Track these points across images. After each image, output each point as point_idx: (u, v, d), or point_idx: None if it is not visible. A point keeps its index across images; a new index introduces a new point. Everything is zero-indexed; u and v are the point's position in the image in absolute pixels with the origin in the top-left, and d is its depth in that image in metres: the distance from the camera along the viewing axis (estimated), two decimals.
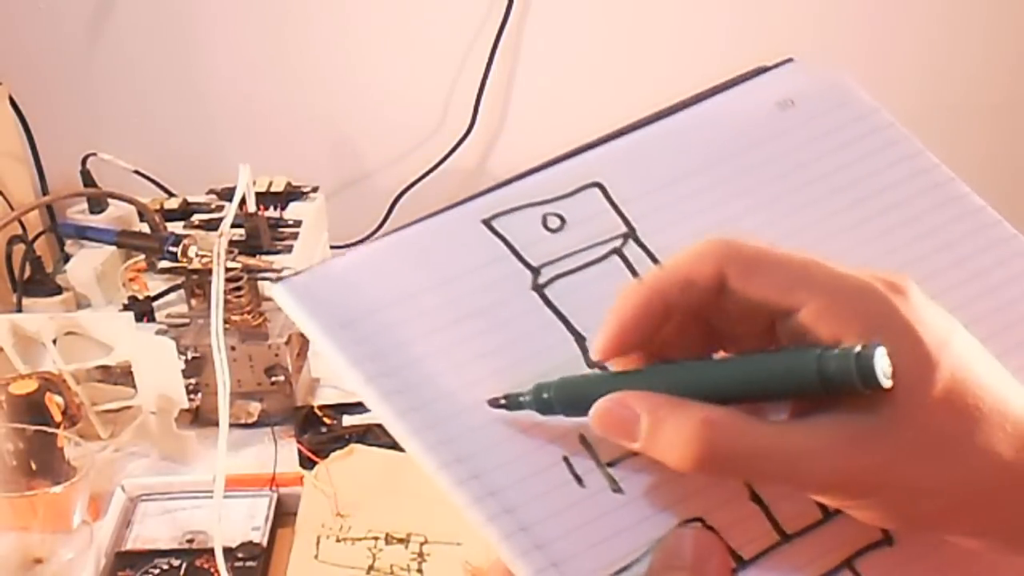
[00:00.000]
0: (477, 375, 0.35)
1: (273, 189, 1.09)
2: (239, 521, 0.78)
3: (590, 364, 0.36)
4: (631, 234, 0.39)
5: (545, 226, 0.39)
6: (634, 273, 0.38)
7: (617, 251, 0.38)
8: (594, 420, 0.33)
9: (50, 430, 0.80)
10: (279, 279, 0.37)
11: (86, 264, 1.04)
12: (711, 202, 0.40)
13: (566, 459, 0.34)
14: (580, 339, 0.36)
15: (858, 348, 0.30)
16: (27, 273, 1.04)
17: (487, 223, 0.38)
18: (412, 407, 0.34)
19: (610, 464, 0.35)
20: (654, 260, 0.38)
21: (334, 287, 0.36)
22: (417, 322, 0.36)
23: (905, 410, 0.31)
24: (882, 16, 1.20)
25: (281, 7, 1.20)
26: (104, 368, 0.87)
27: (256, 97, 1.23)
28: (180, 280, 0.98)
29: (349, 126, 1.25)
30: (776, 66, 0.43)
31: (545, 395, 0.34)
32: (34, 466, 0.78)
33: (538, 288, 0.37)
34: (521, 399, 0.34)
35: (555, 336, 0.36)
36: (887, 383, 0.30)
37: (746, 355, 0.33)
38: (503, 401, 0.34)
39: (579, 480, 0.34)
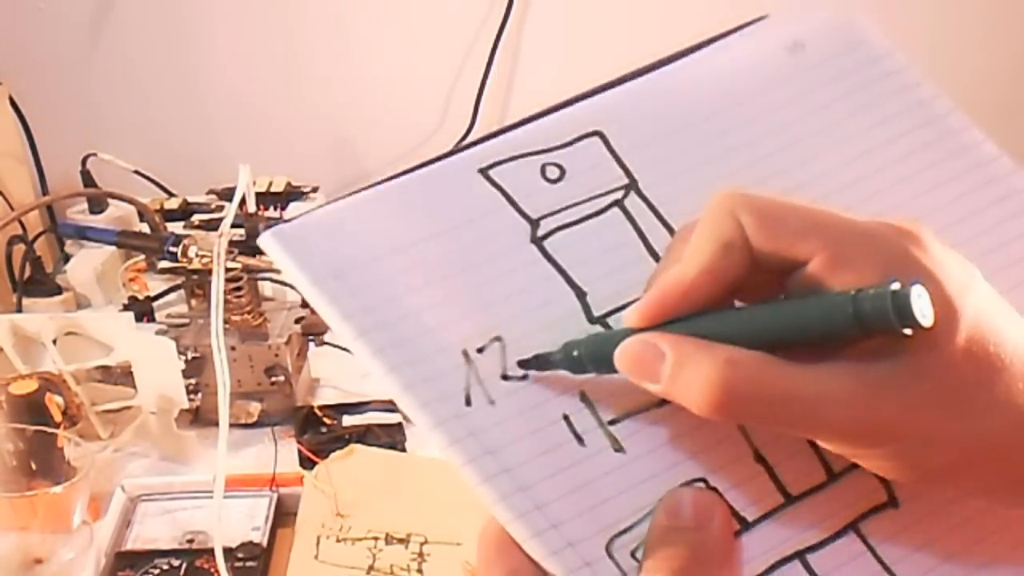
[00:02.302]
0: (475, 329, 0.34)
1: (273, 189, 1.09)
2: (239, 521, 0.78)
3: (591, 319, 0.35)
4: (632, 186, 0.37)
5: (544, 176, 0.37)
6: (635, 226, 0.37)
7: (618, 203, 0.37)
8: (619, 359, 0.32)
9: (50, 430, 0.80)
10: (267, 227, 0.35)
11: (86, 264, 1.04)
12: (716, 152, 0.38)
13: (566, 417, 0.33)
14: (580, 293, 0.35)
15: (895, 286, 0.29)
16: (27, 273, 1.04)
17: (484, 172, 0.37)
18: (406, 361, 0.33)
19: (611, 422, 0.34)
20: (656, 213, 0.37)
21: (325, 236, 0.35)
22: (412, 274, 0.34)
23: (927, 358, 0.30)
24: (877, 15, 1.20)
25: (281, 7, 1.20)
26: (104, 368, 0.87)
27: (256, 97, 1.23)
28: (180, 280, 0.98)
29: (349, 126, 1.25)
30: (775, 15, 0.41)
31: (575, 352, 0.33)
32: (34, 466, 0.78)
33: (537, 240, 0.36)
34: (552, 358, 0.33)
35: (555, 290, 0.35)
36: (927, 322, 0.29)
37: (776, 301, 0.32)
38: (533, 360, 0.33)
39: (579, 439, 0.33)
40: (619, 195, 0.37)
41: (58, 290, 1.04)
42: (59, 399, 0.84)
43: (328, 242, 0.34)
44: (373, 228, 0.35)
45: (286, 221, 0.35)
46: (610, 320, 0.35)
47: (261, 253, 0.98)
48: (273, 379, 0.88)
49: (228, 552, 0.74)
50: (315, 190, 1.10)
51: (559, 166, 0.37)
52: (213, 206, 1.10)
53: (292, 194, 1.10)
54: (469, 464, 0.32)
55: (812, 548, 0.34)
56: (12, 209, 1.03)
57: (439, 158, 0.37)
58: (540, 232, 0.36)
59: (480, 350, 0.34)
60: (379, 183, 0.36)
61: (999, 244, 0.38)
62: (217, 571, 0.72)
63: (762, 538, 0.33)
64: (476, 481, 0.32)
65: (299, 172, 1.11)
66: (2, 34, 1.19)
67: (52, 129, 1.15)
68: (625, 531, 0.33)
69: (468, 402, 0.33)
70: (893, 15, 1.19)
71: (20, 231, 1.04)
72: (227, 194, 1.08)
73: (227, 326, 0.83)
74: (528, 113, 0.39)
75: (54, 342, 0.86)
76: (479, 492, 0.32)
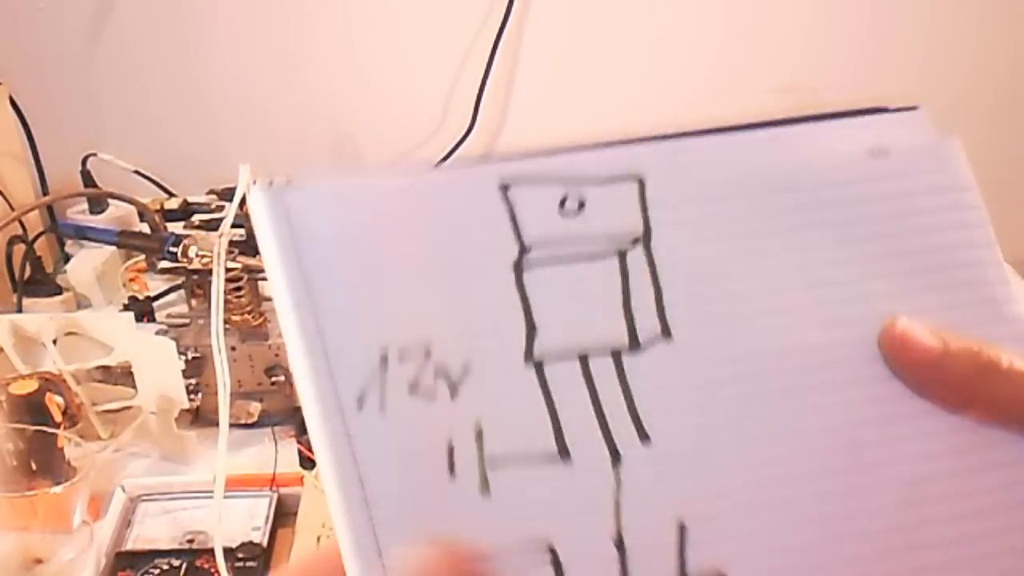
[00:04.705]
0: (408, 335, 0.33)
1: None
2: (239, 521, 0.78)
3: (527, 359, 0.34)
4: (644, 239, 0.36)
5: (561, 206, 0.36)
6: (624, 280, 0.35)
7: (620, 253, 0.35)
8: None
9: (50, 430, 0.80)
10: (266, 184, 0.34)
11: (86, 264, 1.04)
12: (749, 231, 0.36)
13: (451, 446, 0.32)
14: (531, 331, 0.34)
15: None
16: (27, 273, 1.04)
17: (504, 188, 0.35)
18: (322, 349, 0.32)
19: (494, 463, 0.33)
20: (652, 273, 0.35)
21: (313, 206, 0.34)
22: (379, 265, 0.33)
23: None
24: (877, 15, 1.20)
25: (282, 7, 1.20)
26: (104, 368, 0.87)
27: (256, 97, 1.23)
28: (180, 280, 0.98)
29: (350, 126, 1.25)
30: (898, 110, 0.39)
31: None
32: (34, 466, 0.78)
33: (517, 267, 0.35)
34: None
35: (509, 320, 0.34)
36: None
37: None
38: None
39: (452, 468, 0.32)
40: (626, 245, 0.36)
41: (58, 290, 1.04)
42: (59, 399, 0.84)
43: (311, 212, 0.34)
44: (364, 211, 0.34)
45: (287, 183, 0.34)
46: (546, 367, 0.34)
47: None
48: (273, 379, 0.88)
49: (228, 552, 0.74)
50: None
51: (581, 201, 0.36)
52: (213, 206, 1.09)
53: None
54: (330, 464, 0.31)
55: None
56: (12, 209, 1.03)
57: (474, 163, 0.36)
58: (526, 259, 0.35)
59: (402, 358, 0.33)
60: (398, 170, 0.35)
61: None
62: (217, 571, 0.72)
63: None
64: (329, 486, 0.31)
65: (299, 172, 1.11)
66: (2, 34, 1.19)
67: (52, 129, 1.15)
68: None
69: (361, 404, 0.32)
70: (891, 14, 1.19)
71: (20, 231, 1.04)
72: (227, 194, 1.07)
73: (227, 326, 0.83)
74: (573, 140, 0.37)
75: (54, 342, 0.86)
76: (329, 501, 0.31)
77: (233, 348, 0.87)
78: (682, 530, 0.33)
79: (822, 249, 0.37)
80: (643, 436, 0.34)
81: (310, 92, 1.23)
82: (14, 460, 0.78)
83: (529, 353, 0.34)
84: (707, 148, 0.37)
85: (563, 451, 0.33)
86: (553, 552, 0.32)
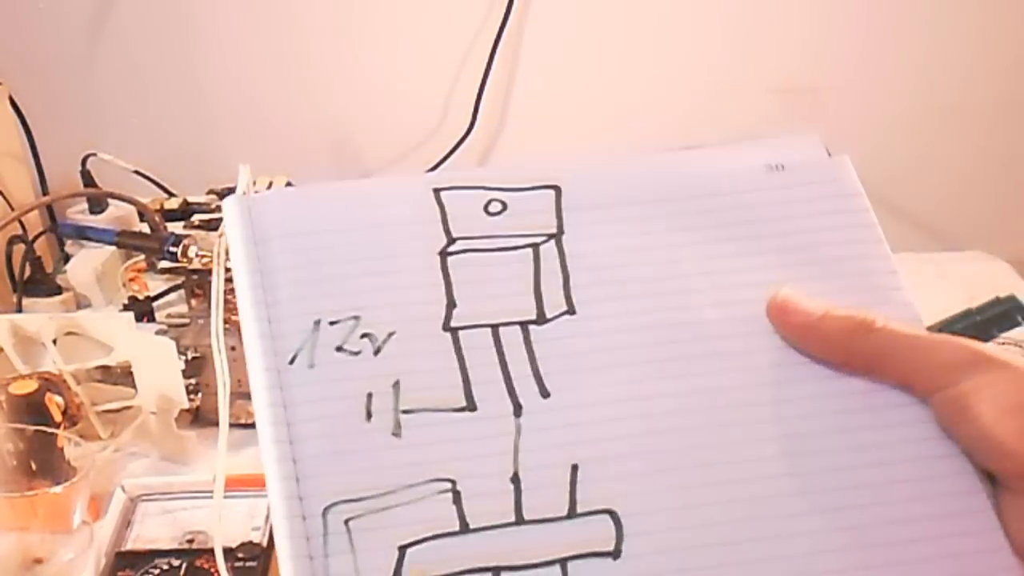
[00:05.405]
0: (341, 305, 0.38)
1: (273, 189, 1.09)
2: (239, 521, 0.78)
3: (445, 327, 0.38)
4: (556, 236, 0.40)
5: (486, 209, 0.41)
6: (536, 267, 0.40)
7: (534, 246, 0.40)
8: None
9: (50, 430, 0.80)
10: (236, 196, 0.40)
11: (86, 264, 1.04)
12: (652, 229, 0.41)
13: (369, 395, 0.37)
14: (451, 305, 0.39)
15: None
16: (27, 273, 1.04)
17: (437, 191, 0.41)
18: (265, 317, 0.39)
19: (406, 411, 0.36)
20: (561, 262, 0.40)
21: (273, 210, 0.41)
22: (324, 251, 0.39)
23: None
24: (877, 15, 1.20)
25: (282, 7, 1.20)
26: (104, 368, 0.87)
27: (256, 97, 1.23)
28: (180, 280, 0.98)
29: (349, 126, 1.25)
30: (794, 136, 0.44)
31: None
32: (34, 466, 0.78)
33: (443, 253, 0.40)
34: None
35: (430, 295, 0.39)
36: None
37: None
38: None
39: (369, 415, 0.36)
40: (540, 240, 0.40)
41: (58, 290, 1.04)
42: (59, 399, 0.84)
43: (271, 214, 0.41)
44: (314, 211, 0.40)
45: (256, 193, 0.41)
46: (461, 334, 0.38)
47: None
48: None
49: (228, 552, 0.73)
50: None
51: (504, 203, 0.41)
52: (213, 206, 1.09)
53: None
54: (263, 409, 0.36)
55: (512, 568, 0.35)
56: (12, 209, 1.03)
57: (411, 177, 0.42)
58: (451, 248, 0.40)
59: (333, 323, 0.38)
60: (348, 182, 0.42)
61: None
62: (217, 571, 0.72)
63: (472, 544, 0.35)
64: (261, 428, 0.36)
65: (299, 172, 1.11)
66: (2, 34, 1.19)
67: (52, 129, 1.15)
68: (352, 500, 0.35)
69: (292, 360, 0.37)
70: (891, 14, 1.19)
71: (20, 231, 1.04)
72: (227, 194, 1.07)
73: (227, 326, 0.83)
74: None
75: (54, 342, 0.86)
76: (261, 440, 0.36)
77: (233, 348, 0.86)
78: (574, 471, 0.36)
79: (720, 244, 0.41)
80: (544, 392, 0.38)
81: (310, 92, 1.23)
82: (14, 460, 0.78)
83: (447, 322, 0.39)
84: (620, 164, 0.43)
85: (471, 404, 0.37)
86: (454, 487, 0.36)
